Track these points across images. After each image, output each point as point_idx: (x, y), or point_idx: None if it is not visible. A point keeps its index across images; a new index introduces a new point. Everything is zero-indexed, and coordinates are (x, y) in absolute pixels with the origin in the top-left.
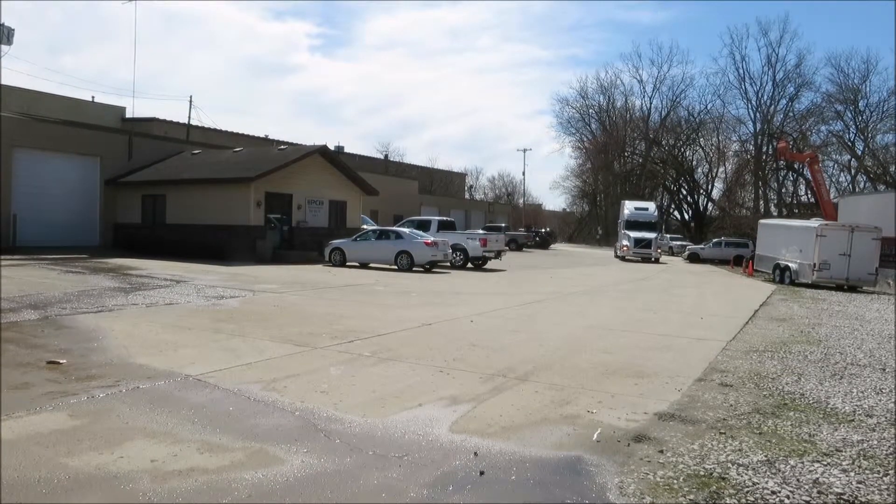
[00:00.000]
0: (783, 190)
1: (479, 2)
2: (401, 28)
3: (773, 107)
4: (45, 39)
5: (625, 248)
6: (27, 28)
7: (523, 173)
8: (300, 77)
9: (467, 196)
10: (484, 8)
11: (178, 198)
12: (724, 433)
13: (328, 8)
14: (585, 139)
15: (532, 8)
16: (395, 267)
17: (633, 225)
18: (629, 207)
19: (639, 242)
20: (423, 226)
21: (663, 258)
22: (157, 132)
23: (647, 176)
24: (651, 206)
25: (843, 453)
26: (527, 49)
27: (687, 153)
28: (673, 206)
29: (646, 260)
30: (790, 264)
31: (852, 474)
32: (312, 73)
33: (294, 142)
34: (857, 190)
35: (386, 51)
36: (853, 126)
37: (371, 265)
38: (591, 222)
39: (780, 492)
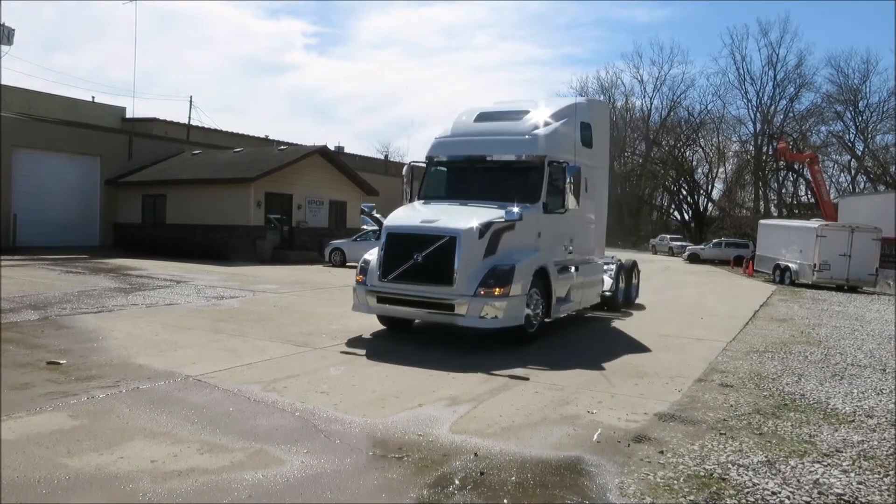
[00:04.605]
0: (783, 190)
1: (473, 0)
2: (396, 27)
3: (773, 107)
4: (38, 38)
5: (359, 280)
6: (21, 27)
7: None
8: (297, 76)
9: None
10: (478, 7)
11: (178, 198)
12: (725, 434)
13: (323, 7)
14: None
15: (527, 7)
16: None
17: (439, 180)
18: (461, 118)
19: (396, 252)
20: None
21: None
22: (157, 132)
23: (647, 176)
24: (529, 107)
25: (844, 454)
26: (523, 48)
27: (687, 153)
28: (673, 206)
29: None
30: (790, 265)
31: (853, 475)
32: (309, 72)
33: (292, 141)
34: (857, 190)
35: (382, 49)
36: (853, 126)
37: None
38: None
39: (780, 492)
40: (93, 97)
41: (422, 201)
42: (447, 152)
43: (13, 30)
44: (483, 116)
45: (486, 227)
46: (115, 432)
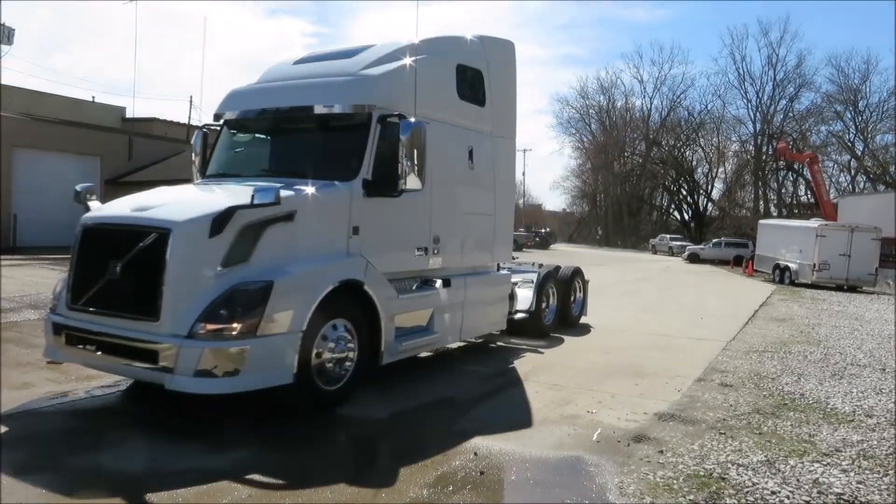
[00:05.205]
0: (783, 190)
1: (471, 1)
2: (394, 27)
3: (773, 107)
4: (38, 38)
5: (51, 308)
6: (21, 27)
7: (523, 173)
8: None
9: None
10: (478, 6)
11: None
12: (724, 433)
13: (322, 7)
14: (585, 139)
15: (527, 7)
16: None
17: (229, 150)
18: (281, 63)
19: (90, 259)
20: None
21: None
22: (157, 132)
23: (647, 176)
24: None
25: (843, 453)
26: (523, 48)
27: (687, 153)
28: (673, 206)
29: None
30: (790, 264)
31: (852, 474)
32: None
33: None
34: (857, 190)
35: None
36: (853, 126)
37: None
38: (591, 222)
39: (779, 492)
40: (93, 97)
41: (203, 181)
42: (240, 106)
43: (13, 30)
44: (308, 58)
45: (226, 216)
46: (114, 432)
